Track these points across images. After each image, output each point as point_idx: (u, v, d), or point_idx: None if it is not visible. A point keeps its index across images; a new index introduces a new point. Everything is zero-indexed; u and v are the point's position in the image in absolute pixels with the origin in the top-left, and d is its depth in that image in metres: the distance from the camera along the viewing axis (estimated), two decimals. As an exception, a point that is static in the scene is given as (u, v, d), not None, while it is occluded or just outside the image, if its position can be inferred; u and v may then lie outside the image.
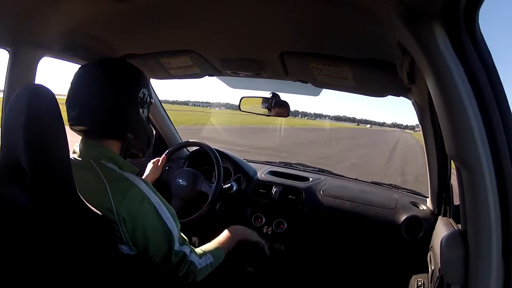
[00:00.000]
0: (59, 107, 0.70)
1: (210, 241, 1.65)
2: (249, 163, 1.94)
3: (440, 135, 1.10)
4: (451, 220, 1.17)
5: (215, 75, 1.53)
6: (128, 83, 0.91)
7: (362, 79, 1.19)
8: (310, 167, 2.09)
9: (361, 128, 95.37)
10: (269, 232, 1.65)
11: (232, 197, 1.70)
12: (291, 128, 33.74)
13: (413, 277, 1.23)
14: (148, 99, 0.96)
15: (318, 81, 1.30)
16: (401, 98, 1.27)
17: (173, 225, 0.89)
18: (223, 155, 1.79)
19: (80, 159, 0.89)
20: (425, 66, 0.64)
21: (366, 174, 7.48)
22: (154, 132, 1.94)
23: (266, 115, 1.72)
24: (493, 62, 0.58)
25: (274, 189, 1.70)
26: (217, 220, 1.74)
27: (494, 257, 0.56)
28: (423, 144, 1.30)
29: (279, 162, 2.15)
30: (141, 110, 0.94)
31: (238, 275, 1.14)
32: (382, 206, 1.55)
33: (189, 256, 0.92)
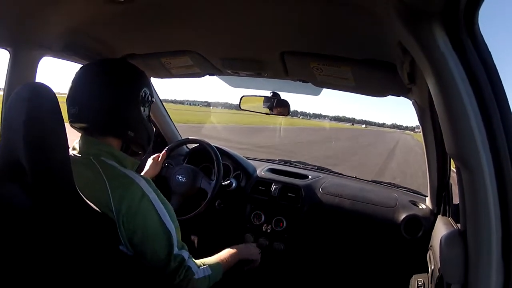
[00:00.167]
0: (59, 106, 0.70)
1: (209, 238, 1.66)
2: (248, 160, 1.95)
3: (440, 134, 1.10)
4: (450, 219, 1.17)
5: (216, 75, 1.53)
6: (129, 83, 0.91)
7: (362, 79, 1.19)
8: (309, 165, 2.10)
9: (355, 128, 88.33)
10: (269, 230, 1.66)
11: (231, 194, 1.70)
12: (274, 127, 29.93)
13: (413, 277, 1.23)
14: (149, 98, 0.96)
15: (318, 81, 1.30)
16: (401, 98, 1.28)
17: (172, 227, 0.87)
18: (223, 152, 1.79)
19: (80, 155, 0.88)
20: (425, 66, 0.64)
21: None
22: (154, 129, 1.95)
23: (267, 114, 1.72)
24: (493, 62, 0.58)
25: (273, 187, 1.70)
26: (216, 217, 1.75)
27: (494, 256, 0.56)
28: (423, 144, 1.31)
29: (279, 160, 2.15)
30: (142, 109, 0.94)
31: (236, 274, 1.13)
32: (381, 204, 1.55)
33: (187, 261, 0.90)
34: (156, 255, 0.84)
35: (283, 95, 1.65)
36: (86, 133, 0.91)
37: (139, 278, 0.81)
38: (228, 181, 1.69)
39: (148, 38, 1.18)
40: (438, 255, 0.80)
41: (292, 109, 1.68)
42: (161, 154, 1.57)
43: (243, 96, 1.74)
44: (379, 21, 0.74)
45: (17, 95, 0.68)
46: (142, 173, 1.48)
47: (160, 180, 1.58)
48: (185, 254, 0.90)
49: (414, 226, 1.40)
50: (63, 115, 0.72)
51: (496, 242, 0.55)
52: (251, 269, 1.20)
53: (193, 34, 1.10)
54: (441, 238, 0.69)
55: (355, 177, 1.98)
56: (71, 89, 0.89)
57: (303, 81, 1.39)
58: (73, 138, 0.89)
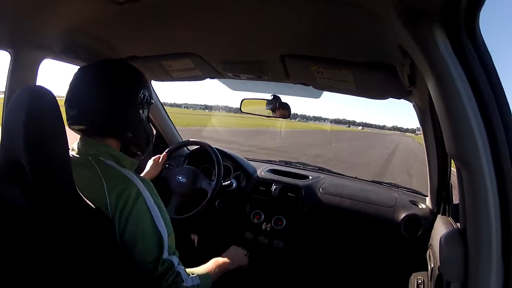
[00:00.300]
0: (59, 108, 0.70)
1: (209, 237, 1.65)
2: (249, 161, 1.95)
3: (440, 135, 1.10)
4: (450, 219, 1.18)
5: (217, 78, 1.54)
6: (128, 85, 0.91)
7: (363, 82, 1.20)
8: (310, 165, 2.10)
9: (351, 130, 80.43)
10: (268, 229, 1.66)
11: (231, 194, 1.71)
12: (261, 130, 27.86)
13: (413, 275, 1.24)
14: (148, 100, 0.96)
15: (319, 84, 1.31)
16: (402, 101, 1.28)
17: (165, 231, 0.86)
18: (223, 153, 1.80)
19: (79, 156, 0.88)
20: (426, 68, 0.65)
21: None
22: (155, 131, 1.95)
23: (268, 117, 1.72)
24: (493, 64, 0.58)
25: (273, 187, 1.71)
26: (216, 217, 1.75)
27: (493, 255, 0.56)
28: (424, 145, 1.31)
29: (279, 161, 2.15)
30: (141, 111, 0.94)
31: (234, 274, 1.13)
32: (381, 204, 1.55)
33: (177, 267, 0.87)
34: (145, 257, 0.83)
35: (284, 98, 1.65)
36: (85, 134, 0.91)
37: (130, 279, 0.80)
38: (229, 181, 1.69)
39: (149, 40, 1.18)
40: (438, 254, 0.80)
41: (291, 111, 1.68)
42: (161, 156, 1.57)
43: (244, 99, 1.74)
44: (380, 23, 0.74)
45: (17, 98, 0.69)
46: (143, 174, 1.48)
47: (161, 181, 1.58)
48: (175, 260, 0.88)
49: (414, 226, 1.41)
50: (63, 118, 0.72)
51: (496, 241, 0.56)
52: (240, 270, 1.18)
53: (194, 36, 1.10)
54: (441, 237, 0.69)
55: (355, 177, 1.98)
56: (69, 91, 0.89)
57: (304, 84, 1.40)
58: (73, 140, 0.89)
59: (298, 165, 2.09)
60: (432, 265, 1.04)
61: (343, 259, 1.63)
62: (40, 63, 1.16)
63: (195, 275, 0.93)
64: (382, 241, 1.50)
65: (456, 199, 1.06)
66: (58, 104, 0.70)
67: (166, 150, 1.62)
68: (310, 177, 1.79)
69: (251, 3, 0.84)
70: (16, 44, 1.09)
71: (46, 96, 0.69)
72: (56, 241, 0.67)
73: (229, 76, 1.44)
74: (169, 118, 2.01)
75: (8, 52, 1.11)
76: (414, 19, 0.61)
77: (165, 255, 0.85)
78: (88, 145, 0.90)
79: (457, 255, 0.62)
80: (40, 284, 0.66)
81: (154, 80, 1.64)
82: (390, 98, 1.30)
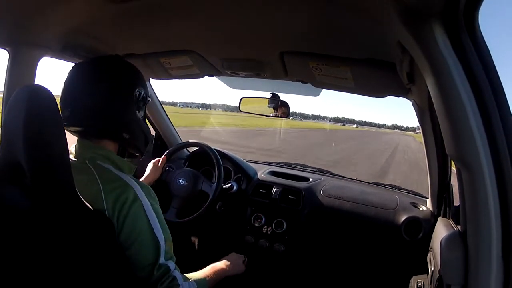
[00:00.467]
0: (58, 108, 0.70)
1: (210, 240, 1.63)
2: (249, 163, 1.94)
3: (440, 135, 1.10)
4: (450, 221, 1.17)
5: (215, 75, 1.53)
6: (123, 81, 0.89)
7: (361, 79, 1.19)
8: (310, 167, 2.09)
9: (346, 129, 73.71)
10: (269, 232, 1.65)
11: (232, 197, 1.70)
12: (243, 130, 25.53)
13: (413, 278, 1.23)
14: (145, 98, 0.94)
15: (317, 81, 1.30)
16: (402, 100, 1.27)
17: (162, 236, 0.84)
18: (223, 155, 1.79)
19: (76, 159, 0.87)
20: (425, 66, 0.64)
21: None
22: (154, 132, 1.95)
23: (267, 116, 1.72)
24: (493, 62, 0.58)
25: (274, 189, 1.70)
26: (217, 220, 1.74)
27: (494, 258, 0.56)
28: (423, 145, 1.30)
29: (279, 163, 2.15)
30: (137, 110, 0.92)
31: (234, 278, 1.13)
32: (382, 206, 1.55)
33: (173, 271, 0.86)
34: (141, 261, 0.82)
35: (282, 96, 1.65)
36: (82, 136, 0.90)
37: (126, 282, 0.80)
38: (229, 184, 1.68)
39: (147, 38, 1.18)
40: (439, 257, 0.80)
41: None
42: (161, 159, 1.57)
43: (243, 97, 1.74)
44: (379, 20, 0.74)
45: (16, 97, 0.69)
46: (143, 178, 1.48)
47: (161, 184, 1.58)
48: (171, 265, 0.86)
49: (415, 228, 1.40)
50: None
51: (496, 243, 0.55)
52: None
53: (192, 33, 1.10)
54: (441, 240, 0.69)
55: (356, 179, 1.98)
56: (64, 89, 0.87)
57: (302, 82, 1.39)
58: (72, 142, 0.88)
59: (298, 166, 2.09)
60: (432, 268, 1.04)
61: (343, 262, 1.63)
62: (38, 62, 1.15)
63: (192, 280, 0.91)
64: (383, 244, 1.50)
65: (456, 201, 1.05)
66: (57, 103, 0.70)
67: (165, 153, 1.62)
68: (311, 179, 1.79)
69: (250, 2, 0.84)
70: (14, 42, 1.09)
71: (45, 95, 0.68)
72: (56, 242, 0.67)
73: (227, 73, 1.44)
74: (168, 119, 2.00)
75: (6, 50, 1.11)
76: (414, 18, 0.60)
77: (162, 260, 0.84)
78: (84, 148, 0.88)
79: (457, 258, 0.62)
80: (40, 285, 0.65)
81: (153, 78, 1.64)
82: (390, 97, 1.29)
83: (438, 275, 0.90)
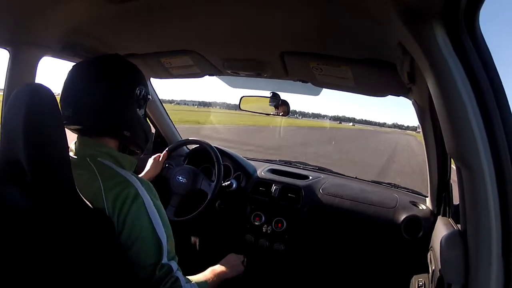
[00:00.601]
0: (58, 106, 0.70)
1: (209, 238, 1.63)
2: (249, 161, 1.95)
3: (440, 135, 1.10)
4: (450, 220, 1.17)
5: (216, 75, 1.53)
6: (124, 80, 0.89)
7: (362, 79, 1.19)
8: (310, 165, 2.09)
9: (342, 127, 66.22)
10: (269, 231, 1.65)
11: (231, 194, 1.70)
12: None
13: (413, 277, 1.23)
14: (146, 96, 0.93)
15: (318, 81, 1.30)
16: (403, 99, 1.28)
17: (164, 235, 0.83)
18: (223, 153, 1.79)
19: (76, 157, 0.86)
20: (425, 66, 0.64)
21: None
22: (154, 130, 1.95)
23: (267, 114, 1.72)
24: (493, 62, 0.58)
25: (273, 187, 1.70)
26: (216, 218, 1.75)
27: (494, 256, 0.56)
28: (423, 144, 1.31)
29: (279, 160, 2.15)
30: (137, 108, 0.92)
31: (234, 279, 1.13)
32: (381, 205, 1.55)
33: (176, 272, 0.84)
34: (143, 261, 0.81)
35: (282, 96, 1.65)
36: (82, 134, 0.89)
37: (128, 282, 0.79)
38: (229, 182, 1.69)
39: (148, 37, 1.18)
40: (439, 256, 0.80)
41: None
42: (161, 155, 1.57)
43: (243, 96, 1.74)
44: (379, 21, 0.74)
45: (16, 96, 0.69)
46: (143, 173, 1.48)
47: (161, 180, 1.58)
48: (174, 265, 0.85)
49: (414, 227, 1.40)
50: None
51: (496, 241, 0.56)
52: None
53: (193, 33, 1.10)
54: (441, 239, 0.69)
55: (356, 178, 1.98)
56: (64, 89, 0.86)
57: (303, 81, 1.39)
58: (72, 140, 0.88)
59: (298, 164, 2.09)
60: (433, 268, 1.04)
61: (343, 261, 1.63)
62: (39, 61, 1.15)
63: (193, 282, 0.91)
64: (383, 243, 1.50)
65: (456, 200, 1.05)
66: (57, 102, 0.69)
67: (166, 149, 1.62)
68: (310, 177, 1.79)
69: (250, 2, 0.84)
70: (15, 42, 1.09)
71: (45, 94, 0.68)
72: (55, 241, 0.67)
73: (228, 73, 1.44)
74: (168, 116, 2.00)
75: (7, 50, 1.11)
76: (414, 18, 0.60)
77: (164, 260, 0.83)
78: (85, 145, 0.88)
79: (457, 256, 0.62)
80: (40, 285, 0.66)
81: (154, 77, 1.64)
82: (390, 96, 1.29)
83: (438, 274, 0.91)
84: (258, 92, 1.75)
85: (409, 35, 0.63)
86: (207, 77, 1.59)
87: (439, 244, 0.73)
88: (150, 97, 0.97)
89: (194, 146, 1.90)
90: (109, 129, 0.88)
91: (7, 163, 0.72)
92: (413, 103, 1.23)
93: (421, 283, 1.15)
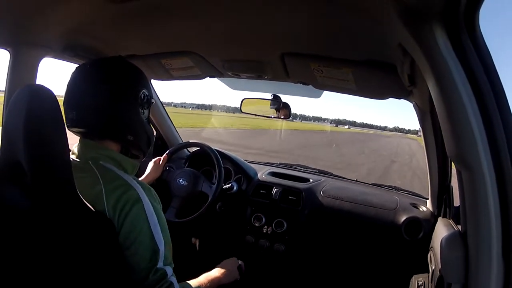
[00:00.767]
0: (59, 108, 0.70)
1: (210, 240, 1.62)
2: (249, 164, 1.95)
3: (440, 137, 1.10)
4: (451, 221, 1.17)
5: (216, 77, 1.54)
6: (127, 83, 0.88)
7: (363, 81, 1.20)
8: (310, 168, 2.09)
9: (336, 130, 61.47)
10: (269, 232, 1.65)
11: (232, 197, 1.70)
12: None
13: (413, 277, 1.23)
14: (149, 99, 0.93)
15: (319, 83, 1.31)
16: (403, 102, 1.28)
17: (161, 240, 0.82)
18: (224, 155, 1.79)
19: (78, 160, 0.86)
20: (426, 68, 0.64)
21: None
22: (155, 132, 1.95)
23: (268, 117, 1.72)
24: (493, 63, 0.58)
25: (274, 190, 1.70)
26: (217, 220, 1.74)
27: (494, 257, 0.56)
28: (424, 146, 1.31)
29: (280, 163, 2.15)
30: (141, 111, 0.91)
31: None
32: (382, 207, 1.55)
33: (170, 277, 0.83)
34: (138, 263, 0.80)
35: (283, 98, 1.65)
36: (84, 136, 0.89)
37: (123, 284, 0.79)
38: (229, 185, 1.68)
39: (148, 38, 1.18)
40: (439, 256, 0.80)
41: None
42: (162, 158, 1.57)
43: (244, 98, 1.74)
44: (380, 22, 0.74)
45: (17, 98, 0.69)
46: (144, 176, 1.48)
47: (161, 183, 1.58)
48: (169, 270, 0.84)
49: (415, 228, 1.40)
50: (63, 118, 0.72)
51: (496, 242, 0.56)
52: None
53: (193, 34, 1.10)
54: (441, 239, 0.69)
55: (356, 180, 1.98)
56: (67, 91, 0.86)
57: (304, 83, 1.40)
58: (73, 142, 0.88)
59: (298, 167, 2.09)
60: (433, 267, 1.04)
61: (344, 262, 1.63)
62: (39, 62, 1.16)
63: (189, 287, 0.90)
64: (383, 244, 1.50)
65: (457, 202, 1.05)
66: (58, 103, 0.69)
67: (166, 152, 1.62)
68: (311, 180, 1.79)
69: (251, 3, 0.84)
70: (15, 42, 1.09)
71: (46, 95, 0.68)
72: (55, 242, 0.67)
73: (229, 75, 1.44)
74: (169, 118, 2.00)
75: (7, 50, 1.11)
76: (414, 19, 0.60)
77: (160, 264, 0.82)
78: (87, 148, 0.87)
79: (457, 257, 0.62)
80: (39, 285, 0.65)
81: (154, 79, 1.64)
82: (391, 99, 1.30)
83: (438, 274, 0.90)
84: (259, 95, 1.75)
85: (409, 36, 0.63)
86: (208, 80, 1.59)
87: (439, 245, 0.73)
88: (154, 100, 0.97)
89: (194, 148, 1.90)
90: (112, 132, 0.88)
91: (7, 163, 0.71)
92: (414, 106, 1.23)
93: (420, 283, 1.15)
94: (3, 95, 1.09)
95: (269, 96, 1.67)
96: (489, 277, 0.56)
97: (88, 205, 0.73)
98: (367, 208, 1.55)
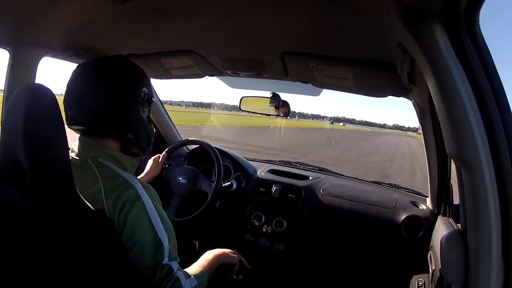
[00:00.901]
0: (59, 107, 0.70)
1: (210, 239, 1.62)
2: (249, 161, 1.95)
3: (440, 135, 1.10)
4: (450, 220, 1.17)
5: (216, 75, 1.53)
6: (128, 82, 0.88)
7: (362, 80, 1.19)
8: (310, 165, 2.09)
9: (331, 128, 58.24)
10: (269, 231, 1.65)
11: (232, 195, 1.70)
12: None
13: (413, 277, 1.23)
14: (149, 98, 0.93)
15: (318, 81, 1.31)
16: (403, 100, 1.28)
17: (164, 236, 0.82)
18: (223, 153, 1.79)
19: (78, 158, 0.86)
20: (426, 67, 0.64)
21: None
22: (154, 130, 1.95)
23: (267, 115, 1.72)
24: (493, 63, 0.58)
25: (274, 188, 1.70)
26: (217, 218, 1.74)
27: (494, 256, 0.56)
28: (423, 144, 1.31)
29: (279, 161, 2.15)
30: (141, 110, 0.91)
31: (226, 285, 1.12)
32: (382, 205, 1.55)
33: (176, 272, 0.84)
34: (143, 262, 0.80)
35: (282, 96, 1.65)
36: (84, 134, 0.89)
37: (128, 283, 0.79)
38: (229, 183, 1.69)
39: (148, 37, 1.18)
40: (439, 255, 0.80)
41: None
42: (161, 155, 1.57)
43: (243, 97, 1.74)
44: (379, 21, 0.74)
45: (16, 97, 0.68)
46: (143, 174, 1.48)
47: (161, 181, 1.58)
48: (175, 265, 0.85)
49: (415, 227, 1.40)
50: (62, 117, 0.72)
51: (496, 241, 0.56)
52: (235, 273, 1.15)
53: (193, 33, 1.10)
54: (441, 238, 0.69)
55: (356, 178, 1.98)
56: (68, 90, 0.86)
57: (303, 82, 1.39)
58: (73, 140, 0.88)
59: (298, 165, 2.09)
60: (433, 267, 1.04)
61: (343, 261, 1.63)
62: (39, 61, 1.15)
63: (192, 276, 0.90)
64: (383, 243, 1.50)
65: (456, 200, 1.05)
66: (57, 102, 0.69)
67: (165, 150, 1.62)
68: (310, 178, 1.79)
69: (251, 3, 0.84)
70: (15, 42, 1.09)
71: (45, 94, 0.68)
72: (56, 242, 0.67)
73: (228, 73, 1.44)
74: (169, 117, 2.00)
75: (7, 50, 1.11)
76: (414, 19, 0.60)
77: (165, 260, 0.82)
78: (87, 146, 0.87)
79: (457, 256, 0.62)
80: (40, 285, 0.65)
81: (154, 78, 1.64)
82: (391, 97, 1.30)
83: (438, 274, 0.91)
84: (258, 93, 1.75)
85: (409, 36, 0.63)
86: (207, 78, 1.59)
87: (439, 244, 0.74)
88: (154, 99, 0.97)
89: (194, 146, 1.90)
90: (112, 130, 0.88)
91: (7, 163, 0.71)
92: (413, 104, 1.23)
93: (421, 283, 1.15)
94: (3, 94, 1.08)
95: (268, 94, 1.67)
96: (489, 277, 0.56)
97: (88, 204, 0.73)
98: (366, 207, 1.56)
